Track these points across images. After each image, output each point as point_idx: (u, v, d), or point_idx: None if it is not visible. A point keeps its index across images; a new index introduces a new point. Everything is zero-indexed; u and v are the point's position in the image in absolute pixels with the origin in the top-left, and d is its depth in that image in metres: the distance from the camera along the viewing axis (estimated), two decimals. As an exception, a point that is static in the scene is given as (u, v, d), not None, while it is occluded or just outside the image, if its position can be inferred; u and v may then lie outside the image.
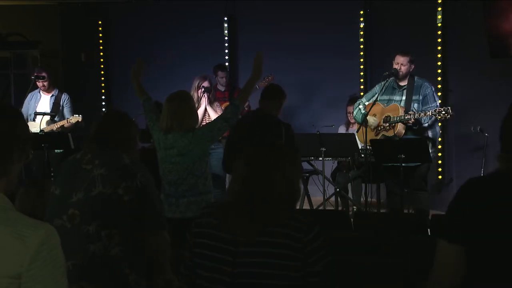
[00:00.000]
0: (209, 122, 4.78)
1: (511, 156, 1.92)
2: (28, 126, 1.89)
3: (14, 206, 3.11)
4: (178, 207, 4.23)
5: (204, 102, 6.86)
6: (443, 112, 6.04)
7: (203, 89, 6.86)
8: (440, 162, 7.84)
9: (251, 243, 2.19)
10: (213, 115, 6.80)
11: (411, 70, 6.39)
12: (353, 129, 7.41)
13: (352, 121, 7.58)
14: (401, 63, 6.33)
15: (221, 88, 7.95)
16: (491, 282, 1.89)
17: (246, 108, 7.77)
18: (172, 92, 4.38)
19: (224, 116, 4.36)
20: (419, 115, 6.16)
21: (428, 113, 6.13)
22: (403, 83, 6.44)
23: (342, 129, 7.78)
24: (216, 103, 7.06)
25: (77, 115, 7.42)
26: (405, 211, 6.29)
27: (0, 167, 1.76)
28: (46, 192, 3.23)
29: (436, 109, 6.12)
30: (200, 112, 6.75)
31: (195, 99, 6.83)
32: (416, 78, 6.43)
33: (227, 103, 7.71)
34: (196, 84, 6.91)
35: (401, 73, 6.36)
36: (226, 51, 9.11)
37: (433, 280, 2.01)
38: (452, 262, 1.95)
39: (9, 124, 1.79)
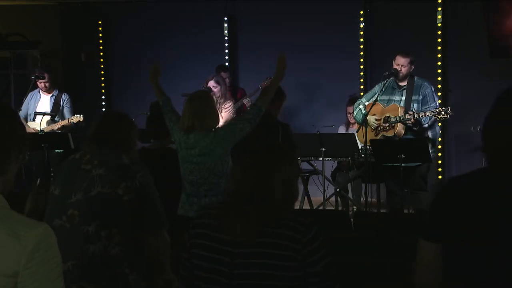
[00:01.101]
0: (231, 122, 4.75)
1: (490, 155, 1.93)
2: (24, 126, 1.88)
3: (26, 207, 3.11)
4: (200, 206, 4.22)
5: None
6: (443, 112, 6.04)
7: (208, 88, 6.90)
8: (440, 162, 7.84)
9: (249, 244, 2.19)
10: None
11: (411, 70, 6.39)
12: (353, 129, 7.41)
13: (352, 121, 7.58)
14: (401, 64, 6.33)
15: None
16: (469, 280, 1.90)
17: (247, 108, 7.79)
18: (193, 93, 4.38)
19: (246, 117, 4.31)
20: (419, 115, 6.16)
21: (427, 113, 6.13)
22: (403, 83, 6.44)
23: (342, 129, 7.78)
24: (227, 102, 7.06)
25: (78, 115, 7.43)
26: (405, 211, 6.29)
27: None
28: None
29: (435, 109, 6.12)
30: None
31: None
32: (416, 78, 6.42)
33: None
34: (204, 84, 6.95)
35: (401, 74, 6.36)
36: (226, 51, 9.10)
37: (416, 278, 2.03)
38: (432, 261, 1.97)
39: (6, 123, 1.78)
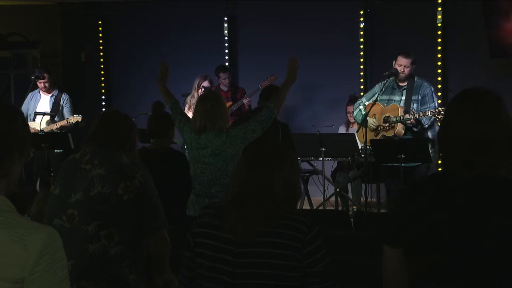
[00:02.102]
0: (244, 123, 4.77)
1: (445, 158, 1.93)
2: (28, 126, 1.86)
3: (31, 210, 3.09)
4: None
5: None
6: (442, 113, 6.04)
7: (202, 89, 6.87)
8: (440, 162, 7.84)
9: (251, 243, 2.20)
10: None
11: (412, 71, 6.39)
12: (353, 129, 7.41)
13: (352, 120, 7.58)
14: (404, 65, 6.33)
15: (224, 88, 7.96)
16: (431, 284, 1.89)
17: (247, 107, 7.79)
18: (203, 93, 4.37)
19: (258, 119, 4.31)
20: (418, 115, 6.16)
21: (427, 113, 6.13)
22: (403, 83, 6.44)
23: (342, 129, 7.78)
24: None
25: (77, 115, 7.43)
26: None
27: (1, 169, 1.73)
28: None
29: (435, 109, 6.12)
30: None
31: (195, 99, 6.84)
32: (416, 78, 6.43)
33: (230, 103, 7.72)
34: (197, 84, 6.92)
35: (403, 75, 6.35)
36: (226, 51, 9.10)
37: (385, 285, 2.04)
38: (396, 266, 1.98)
39: (8, 124, 1.76)
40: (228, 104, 7.69)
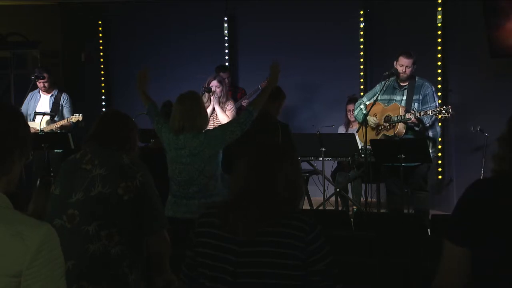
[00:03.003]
0: (222, 124, 4.77)
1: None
2: (28, 126, 1.87)
3: (29, 208, 3.10)
4: (189, 208, 4.21)
5: (212, 100, 6.87)
6: (443, 112, 6.04)
7: (203, 89, 6.88)
8: (440, 162, 7.84)
9: (253, 243, 2.20)
10: (220, 114, 6.83)
11: (413, 71, 6.40)
12: (353, 129, 7.41)
13: (352, 119, 7.59)
14: (406, 65, 6.32)
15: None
16: (498, 284, 1.85)
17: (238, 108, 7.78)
18: (182, 93, 4.38)
19: (237, 120, 4.34)
20: (419, 115, 6.16)
21: (428, 112, 6.13)
22: (404, 83, 6.44)
23: (342, 129, 7.78)
24: (229, 102, 7.06)
25: (77, 114, 7.43)
26: (405, 211, 6.29)
27: (1, 167, 1.75)
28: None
29: (436, 108, 6.13)
30: (208, 111, 6.77)
31: (206, 98, 6.85)
32: (417, 78, 6.43)
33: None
34: (206, 83, 6.95)
35: (405, 75, 6.35)
36: (226, 51, 9.11)
37: (438, 283, 1.97)
38: (458, 265, 1.92)
39: (9, 123, 1.78)
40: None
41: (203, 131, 4.27)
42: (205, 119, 4.36)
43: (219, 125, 4.51)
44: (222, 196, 4.32)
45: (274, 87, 4.56)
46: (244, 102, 7.84)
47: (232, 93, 7.95)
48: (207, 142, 4.21)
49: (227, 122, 4.47)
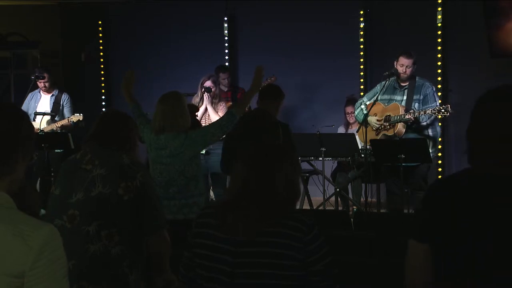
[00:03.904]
0: (205, 126, 4.76)
1: (478, 154, 1.92)
2: (32, 126, 1.87)
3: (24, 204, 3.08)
4: (169, 208, 4.21)
5: (205, 100, 6.87)
6: (443, 110, 6.04)
7: (203, 89, 6.88)
8: (440, 162, 7.84)
9: (251, 243, 2.20)
10: (212, 114, 6.81)
11: (414, 71, 6.39)
12: (352, 130, 7.42)
13: (351, 121, 7.59)
14: (406, 65, 6.33)
15: (224, 88, 7.95)
16: (459, 281, 1.89)
17: (246, 108, 7.78)
18: (164, 93, 4.39)
19: (219, 123, 4.37)
20: (419, 114, 6.17)
21: (427, 111, 6.13)
22: (405, 83, 6.44)
23: (341, 130, 7.78)
24: (221, 103, 7.06)
25: (78, 114, 7.43)
26: (405, 211, 6.29)
27: (4, 167, 1.75)
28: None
29: (435, 108, 6.13)
30: (201, 110, 6.77)
31: (198, 98, 6.86)
32: (417, 78, 6.43)
33: (230, 103, 7.72)
34: (200, 83, 6.94)
35: (405, 75, 6.35)
36: (226, 51, 9.10)
37: (408, 281, 2.04)
38: (422, 263, 1.97)
39: (13, 123, 1.78)
40: (228, 104, 7.68)
41: (185, 132, 4.27)
42: (187, 119, 4.34)
43: (201, 127, 4.51)
44: (204, 197, 4.35)
45: (257, 91, 4.59)
46: None
47: (232, 93, 7.94)
48: (188, 143, 4.22)
49: (209, 124, 4.50)
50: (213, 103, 6.93)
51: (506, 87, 1.98)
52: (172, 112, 4.24)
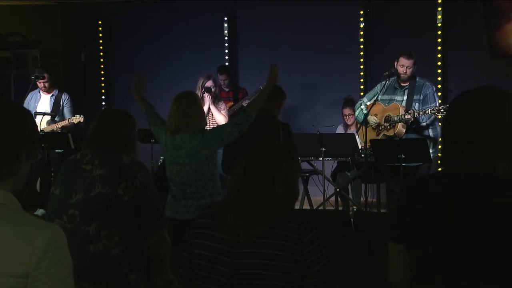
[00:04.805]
0: (220, 125, 4.74)
1: (451, 156, 1.95)
2: (36, 125, 1.86)
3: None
4: (187, 209, 4.21)
5: (207, 101, 6.86)
6: (442, 110, 6.04)
7: (203, 89, 6.87)
8: (440, 162, 7.83)
9: (249, 244, 2.19)
10: (216, 114, 6.82)
11: (414, 71, 6.40)
12: (351, 131, 7.43)
13: (349, 123, 7.61)
14: (406, 65, 6.32)
15: (225, 88, 7.95)
16: (433, 281, 1.92)
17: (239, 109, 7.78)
18: (179, 93, 4.37)
19: (235, 122, 4.32)
20: (419, 114, 6.17)
21: (427, 111, 6.14)
22: (405, 83, 6.44)
23: (340, 130, 7.78)
24: (221, 103, 7.06)
25: (79, 116, 7.42)
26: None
27: (8, 167, 1.74)
28: None
29: (435, 107, 6.13)
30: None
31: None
32: (418, 78, 6.43)
33: (231, 103, 7.72)
34: (200, 83, 6.92)
35: (406, 76, 6.35)
36: (226, 51, 9.10)
37: (390, 280, 2.08)
38: (400, 263, 2.01)
39: (16, 123, 1.77)
40: (229, 104, 7.68)
41: (201, 132, 4.26)
42: (202, 119, 4.34)
43: (217, 126, 4.50)
44: (221, 197, 4.32)
45: (271, 89, 4.57)
46: (245, 103, 7.83)
47: (233, 93, 7.94)
48: (204, 142, 4.20)
49: (225, 124, 4.46)
50: (214, 103, 6.92)
51: (480, 89, 2.01)
52: (187, 112, 4.22)
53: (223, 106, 7.02)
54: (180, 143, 4.22)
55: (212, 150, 4.23)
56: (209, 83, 6.89)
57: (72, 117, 7.46)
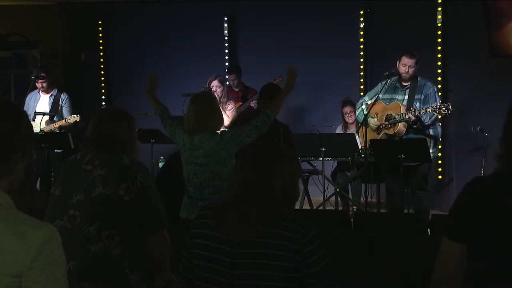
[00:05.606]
0: (239, 126, 4.75)
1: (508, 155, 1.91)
2: (32, 125, 1.87)
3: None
4: None
5: None
6: (443, 109, 6.03)
7: (204, 89, 6.89)
8: (440, 162, 7.84)
9: (249, 244, 2.19)
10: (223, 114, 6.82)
11: (416, 71, 6.39)
12: (350, 131, 7.43)
13: (349, 121, 7.60)
14: (409, 65, 6.31)
15: (235, 88, 7.95)
16: (492, 282, 1.88)
17: (247, 109, 7.78)
18: (196, 94, 4.36)
19: (255, 124, 4.29)
20: (420, 112, 6.16)
21: (428, 109, 6.13)
22: (406, 83, 6.44)
23: (339, 130, 7.78)
24: (229, 102, 7.05)
25: (75, 115, 7.42)
26: (405, 211, 6.29)
27: (3, 167, 1.75)
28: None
29: (436, 106, 6.12)
30: None
31: None
32: (419, 78, 6.42)
33: (240, 103, 7.71)
34: (207, 83, 6.94)
35: (408, 75, 6.34)
36: (226, 51, 9.11)
37: (436, 279, 2.00)
38: (455, 261, 1.95)
39: (12, 123, 1.77)
40: (238, 104, 7.67)
41: (219, 132, 4.25)
42: (220, 119, 4.32)
43: (236, 127, 4.46)
44: None
45: (291, 91, 4.55)
46: (253, 103, 7.81)
47: (242, 93, 7.94)
48: (223, 143, 4.18)
49: (244, 125, 4.42)
50: (221, 103, 6.91)
51: None
52: (204, 113, 4.20)
53: (230, 106, 7.01)
54: (198, 143, 4.21)
55: (230, 151, 4.20)
56: (214, 83, 6.89)
57: (69, 117, 7.46)
